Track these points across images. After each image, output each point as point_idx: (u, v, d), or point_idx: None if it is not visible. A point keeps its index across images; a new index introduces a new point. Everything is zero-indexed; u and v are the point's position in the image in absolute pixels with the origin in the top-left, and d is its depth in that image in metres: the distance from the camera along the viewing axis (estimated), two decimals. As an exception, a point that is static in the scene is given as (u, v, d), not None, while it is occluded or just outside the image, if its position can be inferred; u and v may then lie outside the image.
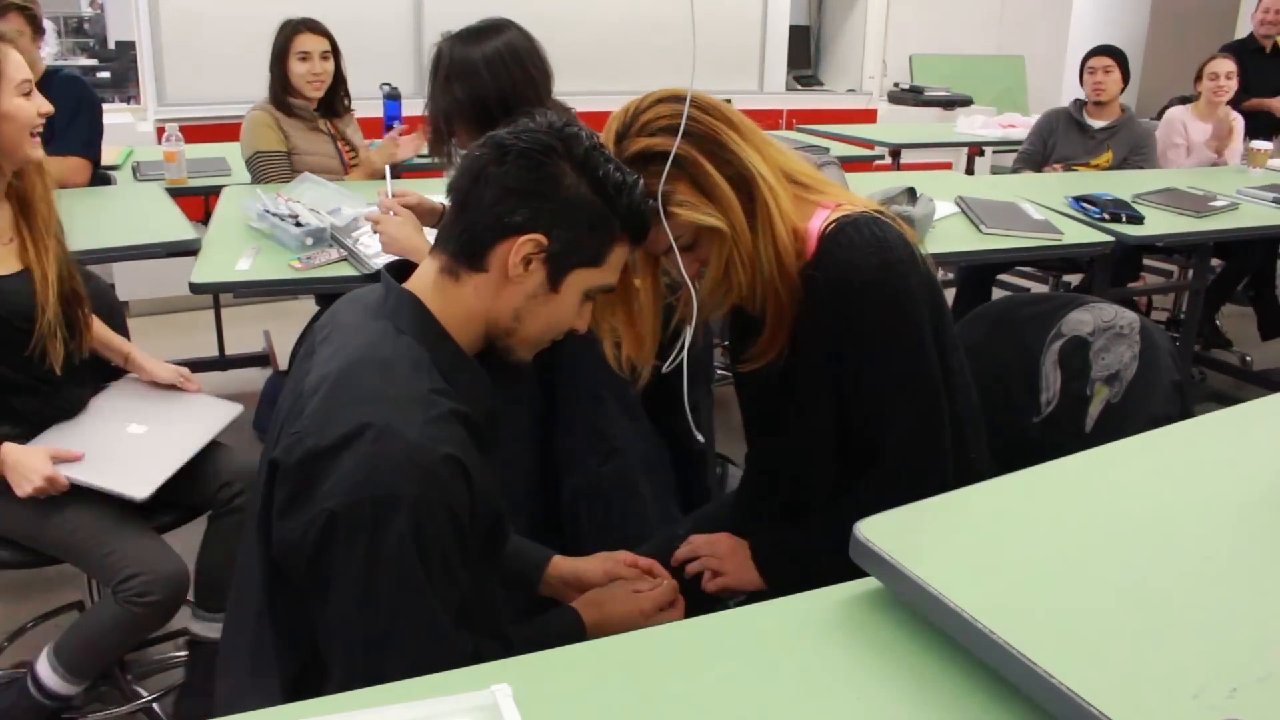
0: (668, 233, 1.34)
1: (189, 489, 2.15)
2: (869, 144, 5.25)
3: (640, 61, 6.01)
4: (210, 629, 2.16)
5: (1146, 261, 4.82)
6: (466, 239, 1.26)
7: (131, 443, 2.08)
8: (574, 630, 1.43)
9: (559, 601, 1.57)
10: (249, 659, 1.28)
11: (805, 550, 1.52)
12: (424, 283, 1.29)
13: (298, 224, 2.62)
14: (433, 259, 1.30)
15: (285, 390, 1.29)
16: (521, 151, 1.24)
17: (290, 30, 3.36)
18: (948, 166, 6.59)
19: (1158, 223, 3.39)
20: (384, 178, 3.50)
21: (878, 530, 1.11)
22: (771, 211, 1.39)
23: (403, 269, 1.36)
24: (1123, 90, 4.35)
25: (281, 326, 4.38)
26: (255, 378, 4.05)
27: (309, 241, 2.59)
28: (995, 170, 6.54)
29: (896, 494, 1.42)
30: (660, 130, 1.37)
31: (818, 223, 1.43)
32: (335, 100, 3.51)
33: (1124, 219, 3.32)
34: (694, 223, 1.38)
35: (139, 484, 1.97)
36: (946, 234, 3.14)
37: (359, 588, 1.12)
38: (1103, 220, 3.33)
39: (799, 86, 7.13)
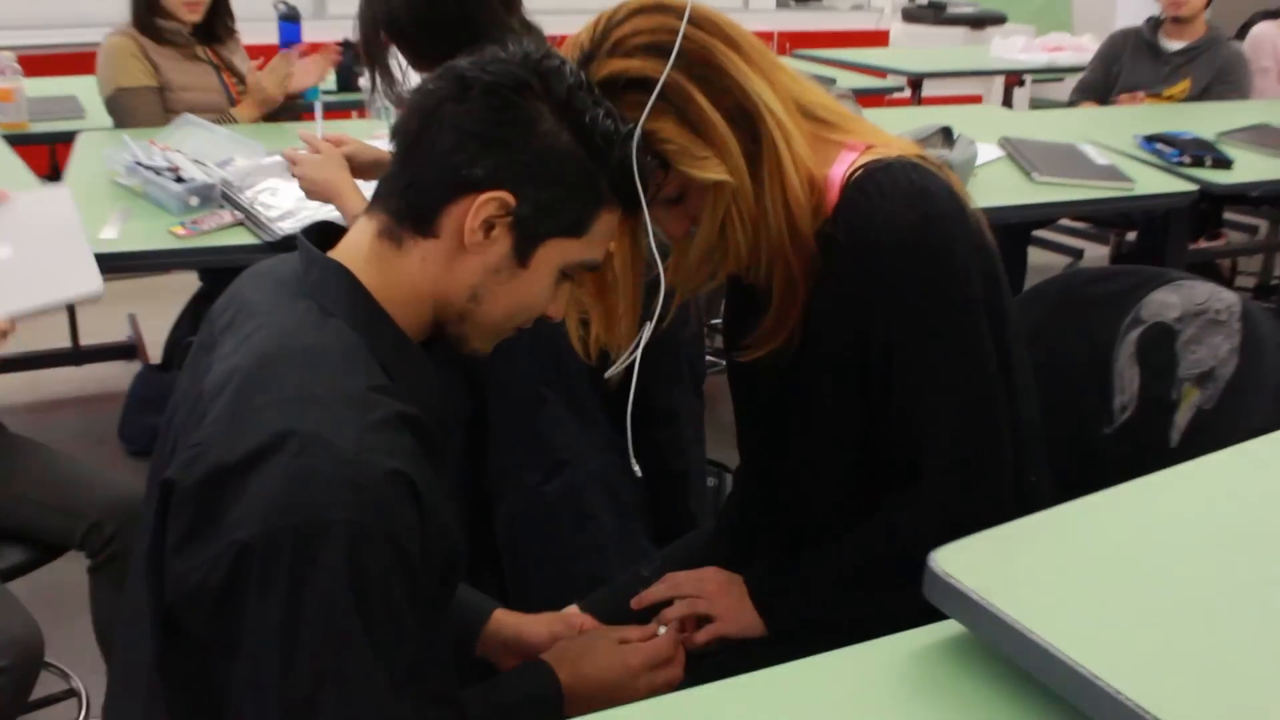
0: (638, 183, 1.30)
1: (41, 520, 2.10)
2: (881, 72, 5.25)
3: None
4: None
5: (1226, 215, 4.85)
6: (413, 195, 1.22)
7: (16, 263, 2.04)
8: (546, 696, 1.40)
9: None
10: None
11: (819, 586, 1.50)
12: (355, 251, 1.25)
13: (179, 179, 2.58)
14: (369, 220, 1.26)
15: (179, 393, 1.26)
16: (487, 87, 1.20)
17: (160, -66, 3.30)
18: (977, 100, 6.61)
19: (1249, 167, 3.41)
20: (277, 114, 3.46)
21: (958, 563, 1.08)
22: (781, 154, 1.35)
23: (324, 235, 1.32)
24: (1208, 4, 4.36)
25: (151, 309, 4.29)
26: (119, 375, 3.99)
27: (194, 201, 2.55)
28: (1036, 104, 6.58)
29: (940, 517, 1.40)
30: (639, 50, 1.33)
31: (841, 169, 1.40)
32: (217, 22, 3.45)
33: (1208, 163, 3.34)
34: (683, 173, 1.34)
35: (82, 282, 1.97)
36: (990, 184, 3.14)
37: (277, 642, 1.08)
38: (1182, 164, 3.35)
39: (793, 3, 7.11)
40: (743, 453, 1.68)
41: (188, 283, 3.73)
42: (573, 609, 1.66)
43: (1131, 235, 4.62)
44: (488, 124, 1.20)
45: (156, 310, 4.14)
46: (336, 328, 1.19)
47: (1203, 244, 4.42)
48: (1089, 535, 1.18)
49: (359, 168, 2.10)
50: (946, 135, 3.02)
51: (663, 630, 1.51)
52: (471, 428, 1.91)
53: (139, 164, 2.65)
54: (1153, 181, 3.24)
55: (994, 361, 1.40)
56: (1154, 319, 1.71)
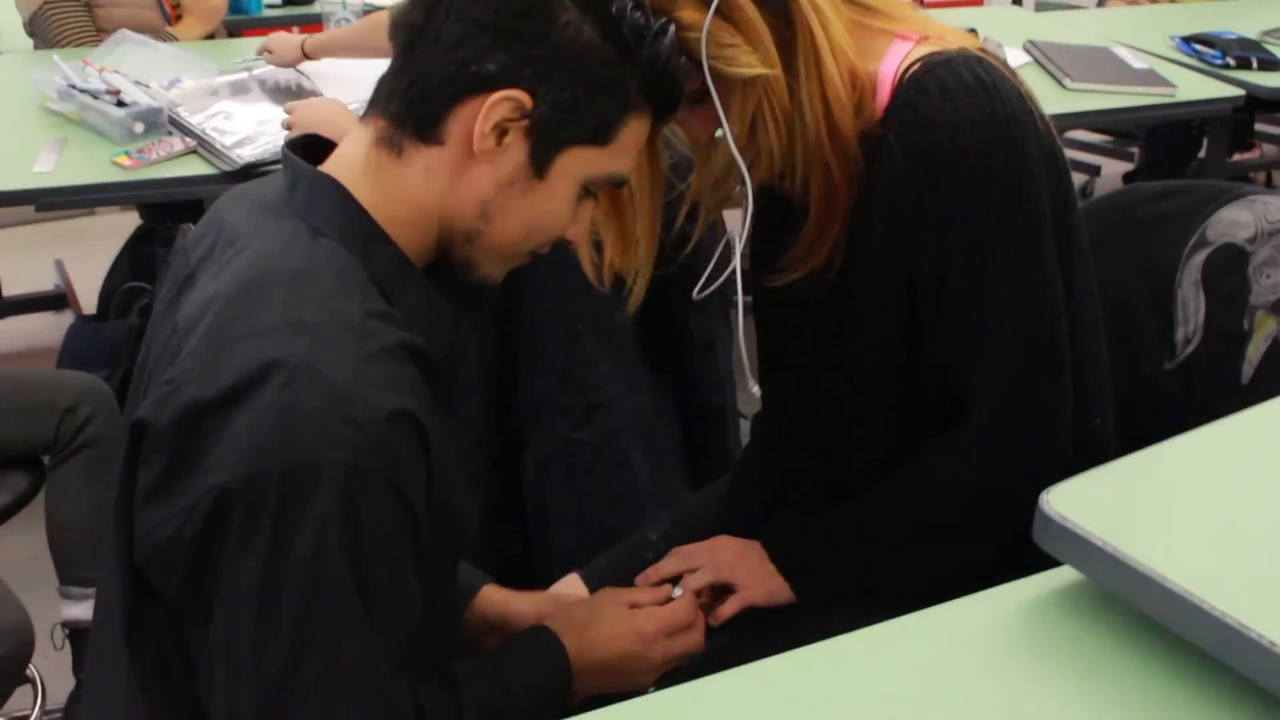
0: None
1: (10, 425, 2.13)
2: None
3: None
4: (87, 608, 2.12)
5: (1259, 127, 4.84)
6: (415, 96, 1.17)
7: None
8: (555, 672, 1.35)
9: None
10: (119, 710, 1.20)
11: (851, 543, 1.46)
12: (349, 163, 1.21)
13: (120, 103, 2.53)
14: (364, 128, 1.22)
15: (151, 333, 1.22)
16: None
17: None
18: (978, 2, 6.55)
19: (1299, 69, 3.39)
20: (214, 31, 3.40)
21: (1072, 504, 1.06)
22: (818, 41, 1.30)
23: (312, 150, 1.27)
24: None
25: (79, 254, 4.24)
26: (49, 328, 3.94)
27: (139, 128, 2.51)
28: (1041, 6, 6.52)
29: (990, 463, 1.38)
30: None
31: (893, 64, 1.35)
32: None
33: (1254, 64, 3.32)
34: (713, 69, 1.29)
35: None
36: (1018, 92, 3.11)
37: (255, 600, 1.04)
38: (1226, 67, 3.33)
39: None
40: (765, 395, 1.64)
41: (119, 224, 3.68)
42: (572, 578, 1.63)
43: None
44: (501, 13, 1.15)
45: (85, 255, 4.09)
46: (328, 248, 1.15)
47: (1238, 157, 4.41)
48: (1205, 472, 1.16)
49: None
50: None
51: (678, 593, 1.47)
52: (496, 370, 1.88)
53: (73, 87, 2.59)
54: (1195, 86, 3.22)
55: (1060, 289, 1.37)
56: (1223, 240, 1.66)
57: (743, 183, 1.34)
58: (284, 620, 1.04)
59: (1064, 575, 1.10)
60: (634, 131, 1.22)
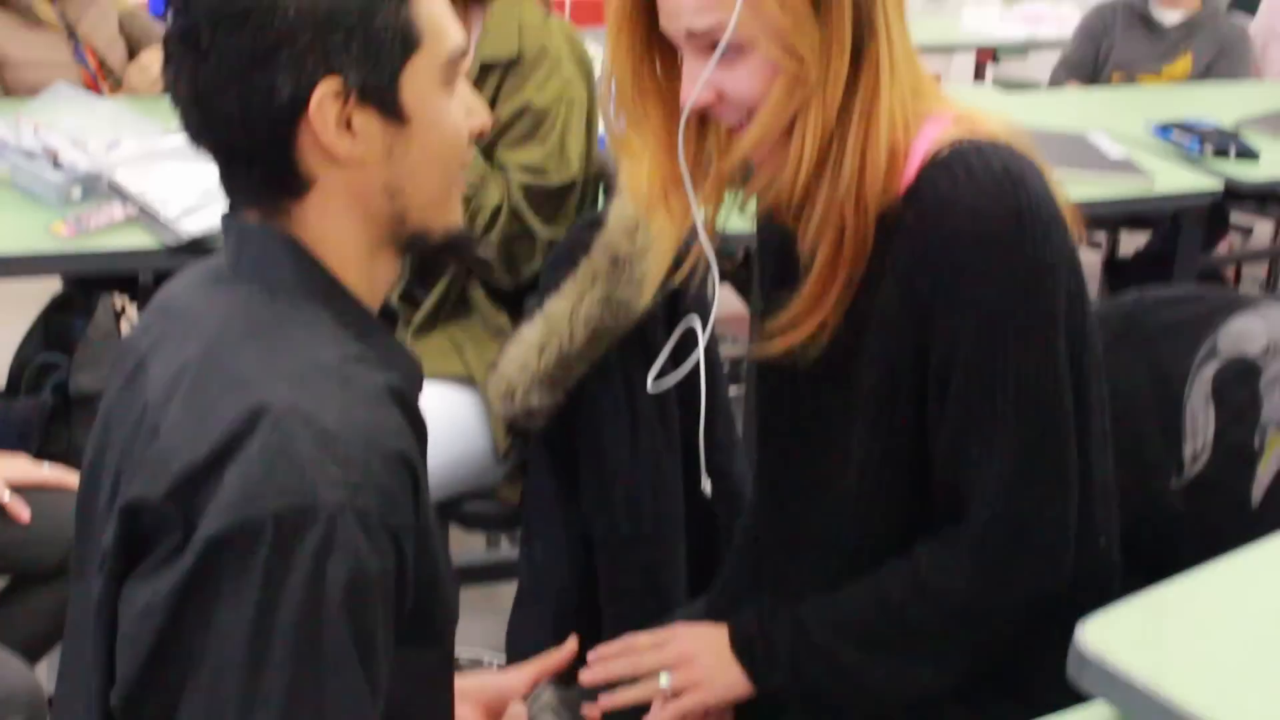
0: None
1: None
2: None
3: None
4: None
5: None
6: (258, 171, 1.16)
7: None
8: None
9: None
10: None
11: (819, 637, 1.44)
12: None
13: (56, 164, 2.51)
14: (250, 218, 1.20)
15: (104, 433, 1.22)
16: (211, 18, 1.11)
17: None
18: (936, 79, 6.63)
19: (1277, 159, 3.41)
20: None
21: (1109, 637, 1.07)
22: (880, 92, 1.30)
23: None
24: None
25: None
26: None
27: (76, 193, 2.48)
28: (1000, 82, 6.61)
29: (980, 569, 1.37)
30: None
31: (924, 143, 1.35)
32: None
33: (1233, 154, 3.36)
34: (769, 26, 1.27)
35: None
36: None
37: (245, 657, 1.03)
38: (1203, 156, 3.36)
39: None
40: (760, 475, 1.63)
41: (27, 292, 3.56)
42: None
43: (1126, 237, 4.65)
44: (246, 51, 1.11)
45: (-7, 323, 3.98)
46: (288, 304, 1.16)
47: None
48: (1243, 603, 1.18)
49: None
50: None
51: (665, 682, 1.45)
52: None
53: (6, 145, 2.56)
54: (1173, 177, 3.25)
55: (1069, 396, 1.37)
56: (1233, 352, 1.67)
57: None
58: (275, 676, 1.03)
59: (1096, 711, 1.10)
60: (425, 7, 1.18)
